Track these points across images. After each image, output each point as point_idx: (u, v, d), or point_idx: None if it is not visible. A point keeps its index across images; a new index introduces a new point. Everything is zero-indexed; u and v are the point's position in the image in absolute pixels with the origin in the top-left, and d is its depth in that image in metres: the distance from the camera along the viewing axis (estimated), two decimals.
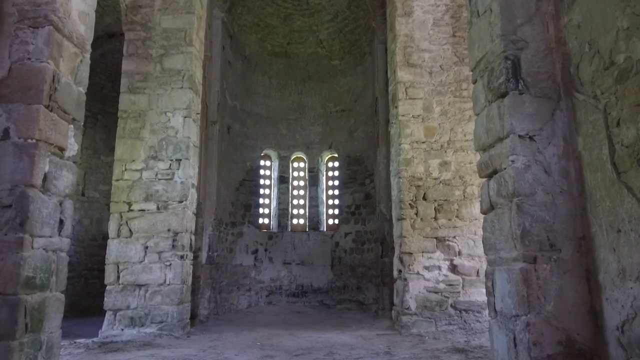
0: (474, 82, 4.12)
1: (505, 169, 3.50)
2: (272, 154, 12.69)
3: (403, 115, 7.62)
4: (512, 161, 3.40)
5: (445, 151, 7.52)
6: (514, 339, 3.29)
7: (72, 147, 3.86)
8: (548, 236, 3.29)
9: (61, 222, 3.69)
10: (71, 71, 3.85)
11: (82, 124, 4.04)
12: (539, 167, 3.40)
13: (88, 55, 4.11)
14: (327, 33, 12.38)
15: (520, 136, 3.43)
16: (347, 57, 12.42)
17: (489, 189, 3.78)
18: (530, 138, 3.44)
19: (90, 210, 10.88)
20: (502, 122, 3.54)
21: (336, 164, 12.59)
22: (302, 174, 12.88)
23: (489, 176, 3.83)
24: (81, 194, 10.84)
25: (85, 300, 10.35)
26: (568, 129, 3.44)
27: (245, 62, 12.07)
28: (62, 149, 3.71)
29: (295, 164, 12.92)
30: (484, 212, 3.91)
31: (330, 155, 12.79)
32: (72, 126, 3.85)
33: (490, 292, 3.74)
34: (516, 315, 3.28)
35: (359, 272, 11.35)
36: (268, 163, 12.73)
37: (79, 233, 10.71)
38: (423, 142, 7.54)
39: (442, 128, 7.59)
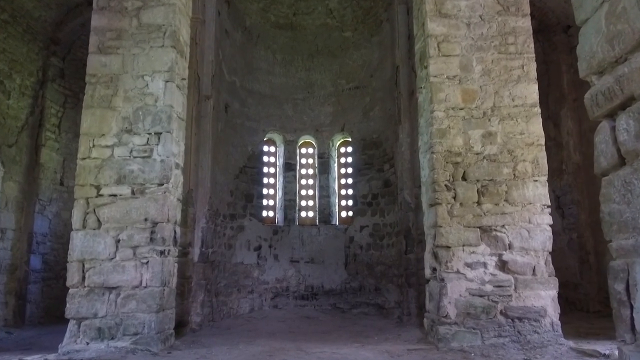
0: None
1: None
2: (277, 137, 11.24)
3: (435, 76, 6.14)
4: None
5: (489, 119, 6.03)
6: None
7: None
8: None
9: None
10: None
11: None
12: None
13: None
14: (338, 1, 10.87)
15: None
16: (361, 27, 10.92)
17: (617, 132, 2.31)
18: None
19: (70, 202, 9.37)
20: None
21: (349, 148, 11.11)
22: (310, 160, 11.40)
23: (613, 112, 2.37)
24: (59, 182, 9.50)
25: (64, 305, 8.97)
26: None
27: (246, 34, 10.66)
28: None
29: (303, 150, 11.44)
30: (603, 173, 2.45)
31: (342, 139, 11.29)
32: None
33: (621, 301, 2.28)
34: None
35: (377, 271, 9.88)
36: (272, 148, 11.27)
37: (56, 227, 9.37)
38: (461, 109, 6.07)
39: (485, 91, 6.10)
